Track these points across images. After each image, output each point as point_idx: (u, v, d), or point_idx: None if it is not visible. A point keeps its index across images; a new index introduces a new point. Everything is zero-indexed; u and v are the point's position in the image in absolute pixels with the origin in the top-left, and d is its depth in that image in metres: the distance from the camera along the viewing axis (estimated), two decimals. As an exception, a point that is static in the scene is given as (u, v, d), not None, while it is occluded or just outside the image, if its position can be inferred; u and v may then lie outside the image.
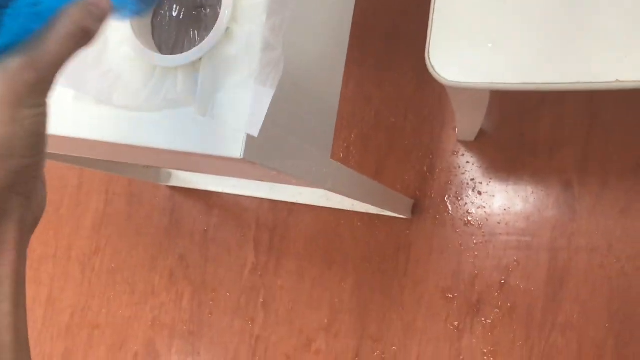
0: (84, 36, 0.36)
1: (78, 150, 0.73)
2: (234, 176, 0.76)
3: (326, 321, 1.38)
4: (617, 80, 0.76)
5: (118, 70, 0.56)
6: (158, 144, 0.55)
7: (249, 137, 0.53)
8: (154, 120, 0.55)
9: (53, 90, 0.35)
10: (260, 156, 0.56)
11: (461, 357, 1.27)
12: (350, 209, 1.37)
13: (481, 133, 1.31)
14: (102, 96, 0.56)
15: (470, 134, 1.28)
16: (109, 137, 0.56)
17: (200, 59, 0.54)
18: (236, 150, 0.53)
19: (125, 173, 1.38)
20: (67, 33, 0.35)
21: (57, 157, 1.06)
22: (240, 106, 0.53)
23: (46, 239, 1.63)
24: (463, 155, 1.33)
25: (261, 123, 0.53)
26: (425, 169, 1.35)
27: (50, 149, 0.76)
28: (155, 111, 0.55)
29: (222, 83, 0.54)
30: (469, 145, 1.33)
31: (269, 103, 0.53)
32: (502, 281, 1.26)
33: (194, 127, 0.55)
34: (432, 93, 1.37)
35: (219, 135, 0.54)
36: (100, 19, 0.37)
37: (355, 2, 0.80)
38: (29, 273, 1.63)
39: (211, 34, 0.53)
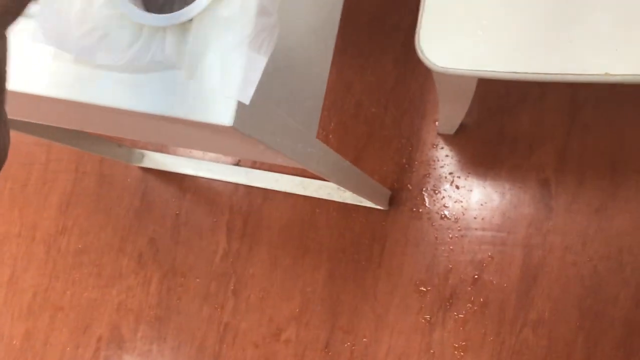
0: None
1: (52, 115, 0.70)
2: (215, 151, 0.73)
3: (297, 311, 1.36)
4: (606, 74, 0.76)
5: (103, 28, 0.53)
6: (141, 108, 0.52)
7: (240, 105, 0.51)
8: (138, 83, 0.53)
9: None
10: (249, 127, 0.53)
11: (432, 351, 1.27)
12: (327, 198, 1.36)
13: (461, 127, 1.30)
14: (85, 55, 0.53)
15: (451, 126, 1.27)
16: (89, 98, 0.53)
17: (191, 19, 0.51)
18: (226, 117, 0.51)
19: (96, 151, 1.34)
20: None
21: (26, 128, 1.02)
22: (232, 72, 0.51)
23: (10, 218, 1.58)
24: (442, 148, 1.33)
25: (253, 91, 0.51)
26: (403, 160, 1.34)
27: (21, 114, 0.72)
28: (140, 73, 0.52)
29: (213, 47, 0.51)
30: (449, 139, 1.33)
31: (262, 70, 0.51)
32: (476, 276, 1.26)
33: (181, 92, 0.52)
34: (414, 84, 1.36)
35: (208, 101, 0.51)
36: None
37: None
38: (-8, 251, 1.57)
39: (204, -5, 0.51)
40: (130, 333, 1.46)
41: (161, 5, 0.54)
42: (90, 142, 1.28)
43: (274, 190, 1.40)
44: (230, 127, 0.50)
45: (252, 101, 0.51)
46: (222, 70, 0.51)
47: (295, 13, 0.62)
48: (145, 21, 0.52)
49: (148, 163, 1.48)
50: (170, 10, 0.53)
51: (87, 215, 1.53)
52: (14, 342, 1.53)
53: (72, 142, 1.20)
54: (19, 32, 0.52)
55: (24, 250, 1.56)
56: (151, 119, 0.55)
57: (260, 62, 0.51)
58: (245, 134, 0.53)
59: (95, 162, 1.54)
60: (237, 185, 1.43)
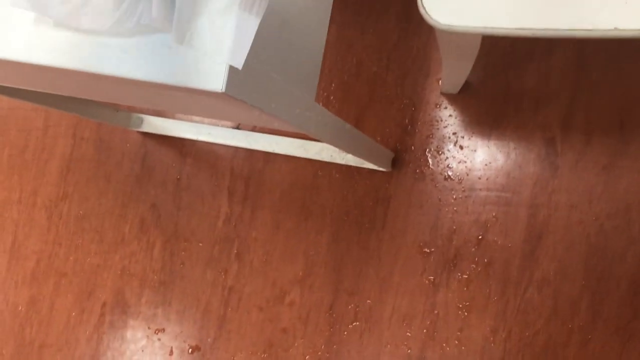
0: None
1: (39, 81, 0.67)
2: (211, 117, 0.71)
3: (301, 274, 1.36)
4: (615, 29, 0.72)
5: (86, -10, 0.50)
6: (128, 74, 0.50)
7: (232, 70, 0.49)
8: (125, 47, 0.50)
9: None
10: (242, 92, 0.51)
11: (435, 312, 1.27)
12: (329, 160, 1.34)
13: (465, 86, 1.27)
14: (67, 20, 0.50)
15: (455, 85, 1.24)
16: (73, 64, 0.51)
17: (178, -21, 0.49)
18: (217, 83, 0.48)
19: (95, 116, 1.32)
20: None
21: (20, 95, 1.00)
22: (223, 35, 0.48)
23: (10, 184, 1.57)
24: (446, 108, 1.30)
25: (246, 54, 0.48)
26: (406, 121, 1.32)
27: (10, 80, 0.70)
28: (126, 37, 0.50)
29: (203, 8, 0.49)
30: (453, 98, 1.30)
31: (254, 32, 0.48)
32: (480, 237, 1.25)
33: (170, 57, 0.49)
34: (416, 42, 1.32)
35: (198, 66, 0.49)
36: None
37: None
38: (-8, 218, 1.57)
39: (191, -48, 0.48)
40: (134, 298, 1.46)
41: (146, -35, 0.51)
42: (87, 107, 1.25)
43: (275, 153, 1.38)
44: (221, 93, 0.48)
45: (244, 65, 0.49)
46: (213, 34, 0.48)
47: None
48: (129, -18, 0.49)
49: (147, 127, 1.46)
50: (156, -31, 0.50)
51: (87, 181, 1.52)
52: (20, 308, 1.53)
53: (68, 107, 1.18)
54: (-4, -4, 0.49)
55: (25, 216, 1.55)
56: (140, 85, 0.53)
57: (253, 23, 0.48)
58: (238, 100, 0.51)
59: (93, 128, 1.52)
60: (237, 148, 1.41)
